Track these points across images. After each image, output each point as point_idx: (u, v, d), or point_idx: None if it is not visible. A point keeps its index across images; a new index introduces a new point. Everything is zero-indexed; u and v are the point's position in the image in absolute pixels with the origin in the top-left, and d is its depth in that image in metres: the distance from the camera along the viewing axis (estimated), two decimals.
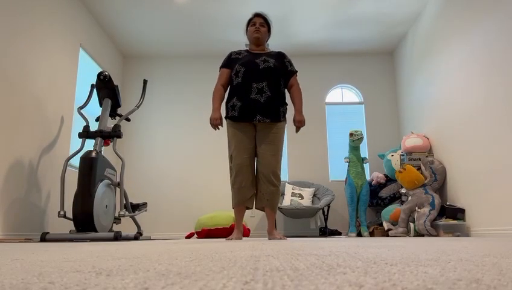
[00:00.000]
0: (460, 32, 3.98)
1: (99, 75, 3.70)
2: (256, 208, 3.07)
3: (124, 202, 3.61)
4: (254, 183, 3.00)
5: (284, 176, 5.49)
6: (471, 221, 3.74)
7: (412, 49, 5.17)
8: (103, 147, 3.89)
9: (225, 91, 3.09)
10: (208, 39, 5.46)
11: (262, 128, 2.96)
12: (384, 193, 4.80)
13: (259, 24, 3.09)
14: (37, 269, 0.60)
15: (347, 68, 5.85)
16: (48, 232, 3.04)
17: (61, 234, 3.05)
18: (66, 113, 4.23)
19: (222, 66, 3.09)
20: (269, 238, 2.96)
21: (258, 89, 2.90)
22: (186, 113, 5.71)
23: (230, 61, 3.08)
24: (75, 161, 4.26)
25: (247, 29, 3.16)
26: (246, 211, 5.35)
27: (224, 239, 2.96)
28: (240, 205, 3.00)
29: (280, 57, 3.07)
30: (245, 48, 3.37)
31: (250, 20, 3.14)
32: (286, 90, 3.17)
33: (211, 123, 2.96)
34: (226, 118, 3.01)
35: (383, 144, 5.55)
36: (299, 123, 3.00)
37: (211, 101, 5.76)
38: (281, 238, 2.91)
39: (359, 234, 4.60)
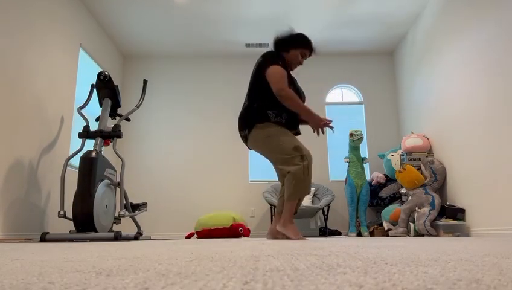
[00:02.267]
0: (460, 32, 3.98)
1: (99, 75, 3.70)
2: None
3: (124, 202, 3.61)
4: None
5: None
6: (471, 221, 3.74)
7: (412, 49, 5.17)
8: (103, 147, 3.88)
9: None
10: (208, 39, 5.46)
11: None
12: (384, 193, 4.80)
13: (309, 56, 3.01)
14: (37, 269, 0.60)
15: (347, 68, 5.84)
16: (48, 232, 3.04)
17: (61, 234, 3.05)
18: (66, 113, 4.23)
19: (283, 67, 2.80)
20: (274, 237, 2.78)
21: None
22: (186, 113, 5.71)
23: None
24: (75, 161, 4.25)
25: (296, 46, 2.91)
26: (246, 211, 5.35)
27: (295, 239, 2.57)
28: (301, 195, 2.69)
29: None
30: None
31: (305, 44, 2.93)
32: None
33: (320, 125, 2.72)
34: (266, 123, 2.76)
35: (383, 144, 5.55)
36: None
37: (210, 101, 5.77)
38: (290, 238, 2.63)
39: (359, 234, 4.60)
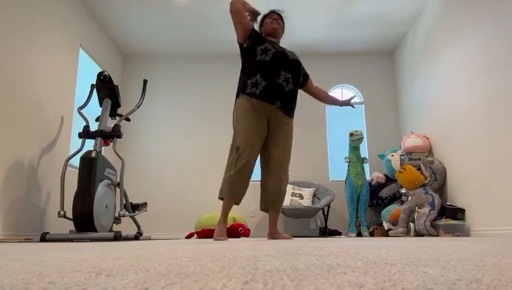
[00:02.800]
0: (460, 32, 3.98)
1: (99, 75, 3.70)
2: (261, 210, 2.90)
3: (124, 202, 3.61)
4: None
5: None
6: (471, 221, 3.74)
7: (412, 49, 5.17)
8: (103, 147, 3.89)
9: (245, 29, 2.83)
10: (208, 39, 5.46)
11: (276, 121, 2.79)
12: (384, 193, 4.80)
13: (277, 17, 3.00)
14: (37, 269, 0.60)
15: (347, 68, 5.85)
16: (48, 232, 3.04)
17: (61, 234, 3.05)
18: (66, 113, 4.23)
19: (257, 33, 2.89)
20: (269, 239, 2.85)
21: (285, 78, 2.76)
22: (186, 113, 5.72)
23: (253, 28, 2.90)
24: (75, 161, 4.26)
25: (261, 23, 3.05)
26: (246, 211, 5.35)
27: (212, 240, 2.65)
28: (232, 197, 2.67)
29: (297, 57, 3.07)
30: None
31: (265, 15, 3.04)
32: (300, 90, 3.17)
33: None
34: (242, 94, 2.75)
35: (383, 144, 5.55)
36: (347, 100, 3.20)
37: (210, 101, 5.77)
38: (285, 238, 2.78)
39: (359, 234, 4.60)
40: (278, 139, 2.80)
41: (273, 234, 2.84)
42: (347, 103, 3.17)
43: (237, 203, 2.70)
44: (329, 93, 5.77)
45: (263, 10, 4.79)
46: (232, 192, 2.64)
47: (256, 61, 2.75)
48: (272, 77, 2.72)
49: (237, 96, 2.79)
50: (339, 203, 5.31)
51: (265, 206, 2.87)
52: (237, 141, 2.68)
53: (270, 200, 2.82)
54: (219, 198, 2.71)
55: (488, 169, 3.49)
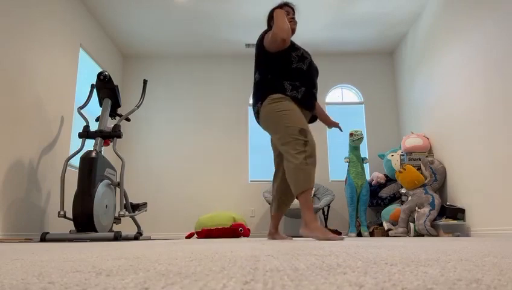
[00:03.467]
0: (460, 32, 3.98)
1: (99, 75, 3.70)
2: (275, 212, 2.81)
3: (124, 202, 3.61)
4: None
5: None
6: (471, 221, 3.74)
7: (412, 49, 5.17)
8: (103, 147, 3.89)
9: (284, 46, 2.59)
10: (208, 39, 5.46)
11: None
12: (384, 193, 4.80)
13: (293, 14, 2.79)
14: (37, 269, 0.60)
15: (347, 68, 5.85)
16: (48, 232, 3.04)
17: (61, 234, 3.04)
18: (66, 113, 4.23)
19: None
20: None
21: (316, 87, 2.72)
22: (186, 113, 5.71)
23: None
24: (75, 161, 4.26)
25: (271, 15, 2.84)
26: (246, 211, 5.35)
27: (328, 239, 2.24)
28: (311, 185, 2.41)
29: None
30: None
31: (282, 5, 2.79)
32: None
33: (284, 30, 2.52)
34: (280, 94, 2.57)
35: (383, 144, 5.55)
36: (336, 123, 3.07)
37: (210, 101, 5.77)
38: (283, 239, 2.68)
39: (359, 234, 4.60)
40: None
41: (273, 235, 2.81)
42: (335, 124, 3.05)
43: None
44: (329, 90, 5.80)
45: (265, 10, 4.79)
46: (313, 178, 2.39)
47: (292, 68, 2.62)
48: (309, 85, 2.64)
49: (271, 93, 2.58)
50: (339, 203, 5.31)
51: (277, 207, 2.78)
52: (298, 125, 2.47)
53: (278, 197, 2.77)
54: (299, 194, 2.38)
55: (488, 169, 3.49)
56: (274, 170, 2.88)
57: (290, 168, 2.41)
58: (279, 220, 2.84)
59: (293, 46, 2.68)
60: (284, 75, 2.61)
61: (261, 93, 2.63)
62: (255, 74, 2.76)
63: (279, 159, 2.83)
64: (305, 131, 2.46)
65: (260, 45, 2.71)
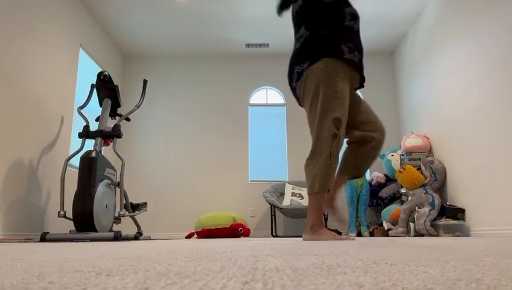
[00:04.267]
0: (460, 32, 3.98)
1: (99, 75, 3.70)
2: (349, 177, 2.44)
3: (124, 202, 3.61)
4: None
5: (284, 175, 5.49)
6: (471, 221, 3.74)
7: (412, 49, 5.17)
8: (103, 147, 3.89)
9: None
10: (208, 39, 5.46)
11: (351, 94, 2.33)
12: (384, 193, 4.80)
13: None
14: (37, 269, 0.60)
15: None
16: (48, 232, 3.04)
17: (61, 234, 3.05)
18: (66, 113, 4.23)
19: None
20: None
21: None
22: (186, 113, 5.72)
23: None
24: (75, 161, 4.26)
25: None
26: (246, 210, 5.35)
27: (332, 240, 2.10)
28: (326, 189, 2.17)
29: None
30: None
31: None
32: None
33: None
34: (334, 57, 2.19)
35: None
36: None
37: (210, 100, 5.77)
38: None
39: (359, 234, 4.60)
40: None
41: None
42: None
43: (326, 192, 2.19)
44: None
45: (265, 10, 4.79)
46: (330, 181, 2.15)
47: (346, 26, 2.24)
48: (361, 50, 2.30)
49: (325, 55, 2.19)
50: (339, 203, 5.31)
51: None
52: (336, 112, 2.14)
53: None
54: (312, 193, 2.16)
55: (488, 169, 3.49)
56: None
57: (311, 166, 2.16)
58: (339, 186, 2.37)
59: (346, 0, 2.32)
60: (339, 33, 2.21)
61: (310, 52, 2.21)
62: (297, 29, 2.33)
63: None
64: (340, 121, 2.14)
65: None
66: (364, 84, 2.46)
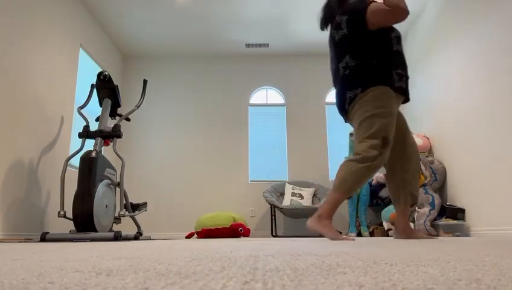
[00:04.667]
0: (460, 32, 3.98)
1: (99, 75, 3.70)
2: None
3: (124, 202, 3.61)
4: None
5: (284, 175, 5.49)
6: (471, 221, 3.74)
7: (411, 49, 5.17)
8: (103, 147, 3.89)
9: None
10: (208, 39, 5.46)
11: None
12: (384, 193, 4.80)
13: None
14: (37, 269, 0.60)
15: None
16: (48, 232, 3.04)
17: (61, 234, 3.04)
18: (66, 113, 4.23)
19: None
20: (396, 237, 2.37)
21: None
22: (186, 113, 5.72)
23: None
24: (75, 161, 4.26)
25: None
26: (246, 210, 5.35)
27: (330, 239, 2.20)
28: (350, 193, 2.25)
29: None
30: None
31: None
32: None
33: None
34: (386, 85, 2.29)
35: None
36: None
37: (210, 101, 5.77)
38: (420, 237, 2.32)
39: (359, 234, 4.60)
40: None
41: (406, 228, 2.40)
42: None
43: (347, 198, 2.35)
44: (329, 90, 5.79)
45: (265, 10, 4.79)
46: (356, 187, 2.24)
47: (393, 52, 2.32)
48: (406, 69, 2.38)
49: (378, 83, 2.28)
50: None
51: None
52: (386, 132, 2.26)
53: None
54: (336, 189, 2.24)
55: (488, 169, 3.49)
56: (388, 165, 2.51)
57: (349, 167, 2.23)
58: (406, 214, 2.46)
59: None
60: (390, 61, 2.30)
61: (363, 79, 2.29)
62: (341, 56, 2.39)
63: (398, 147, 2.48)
64: (388, 141, 2.26)
65: (358, 20, 2.31)
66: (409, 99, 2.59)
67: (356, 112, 2.35)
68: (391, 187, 2.50)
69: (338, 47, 2.43)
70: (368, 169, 2.21)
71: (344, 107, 2.42)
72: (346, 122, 2.60)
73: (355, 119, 2.38)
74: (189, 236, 4.61)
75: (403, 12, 2.23)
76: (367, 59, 2.31)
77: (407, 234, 2.39)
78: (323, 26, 2.59)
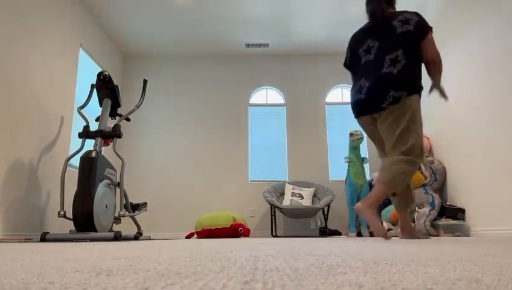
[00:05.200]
0: (460, 32, 3.98)
1: (99, 75, 3.70)
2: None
3: (124, 202, 3.61)
4: None
5: (284, 175, 5.50)
6: (471, 221, 3.74)
7: None
8: (103, 147, 3.89)
9: None
10: (208, 39, 5.46)
11: None
12: None
13: None
14: (37, 269, 0.60)
15: None
16: (48, 232, 3.04)
17: (61, 234, 3.04)
18: (66, 113, 4.23)
19: None
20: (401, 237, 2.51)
21: None
22: (186, 113, 5.72)
23: None
24: (75, 161, 4.26)
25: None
26: (246, 210, 5.35)
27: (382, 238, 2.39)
28: (394, 190, 2.43)
29: None
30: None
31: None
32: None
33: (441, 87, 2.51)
34: (419, 94, 2.47)
35: None
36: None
37: (210, 101, 5.77)
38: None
39: (359, 234, 4.60)
40: None
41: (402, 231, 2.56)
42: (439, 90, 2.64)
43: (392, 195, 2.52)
44: (329, 90, 5.80)
45: (265, 10, 4.79)
46: (400, 186, 2.39)
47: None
48: None
49: (418, 90, 2.44)
50: (339, 203, 5.31)
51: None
52: (422, 140, 2.46)
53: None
54: (385, 184, 2.34)
55: (488, 169, 3.49)
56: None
57: (399, 166, 2.35)
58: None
59: None
60: (420, 70, 2.49)
61: (408, 84, 2.40)
62: (393, 49, 2.45)
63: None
64: (423, 149, 2.46)
65: (423, 29, 2.43)
66: None
67: (400, 113, 2.40)
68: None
69: (395, 38, 2.46)
70: (412, 173, 2.38)
71: (380, 105, 2.44)
72: (358, 117, 2.61)
73: (395, 121, 2.42)
74: (189, 236, 4.61)
75: (440, 64, 2.44)
76: (415, 64, 2.43)
77: (412, 234, 2.50)
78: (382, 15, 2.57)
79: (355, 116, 2.64)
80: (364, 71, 2.56)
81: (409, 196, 2.51)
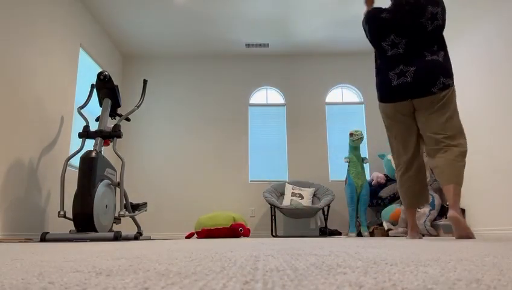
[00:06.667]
0: (460, 32, 3.98)
1: (99, 75, 3.70)
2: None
3: (124, 202, 3.61)
4: None
5: (284, 175, 5.50)
6: (471, 221, 3.74)
7: None
8: (103, 147, 3.89)
9: None
10: (208, 39, 5.46)
11: None
12: (384, 193, 4.80)
13: None
14: (37, 269, 0.60)
15: (347, 68, 5.84)
16: (48, 232, 3.04)
17: (61, 234, 3.04)
18: (66, 113, 4.23)
19: None
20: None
21: None
22: (186, 113, 5.72)
23: None
24: (75, 161, 4.26)
25: None
26: (246, 210, 5.35)
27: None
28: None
29: None
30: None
31: None
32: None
33: None
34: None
35: (383, 144, 5.55)
36: None
37: (210, 101, 5.77)
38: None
39: (359, 234, 4.60)
40: None
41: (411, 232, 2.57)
42: None
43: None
44: (329, 90, 5.80)
45: (265, 10, 4.79)
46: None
47: None
48: None
49: (453, 81, 2.44)
50: (339, 203, 5.31)
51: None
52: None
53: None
54: (458, 184, 2.31)
55: (488, 169, 3.49)
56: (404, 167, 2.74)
57: (459, 161, 2.32)
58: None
59: None
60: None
61: (451, 73, 2.41)
62: (429, 46, 2.43)
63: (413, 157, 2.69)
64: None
65: (444, 15, 2.46)
66: None
67: (447, 101, 2.38)
68: (416, 188, 2.61)
69: (428, 35, 2.42)
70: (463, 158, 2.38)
71: (431, 89, 2.37)
72: (394, 102, 2.50)
73: (442, 107, 2.38)
74: (189, 236, 4.61)
75: None
76: (448, 55, 2.44)
77: (419, 234, 2.55)
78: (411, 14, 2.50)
79: (391, 101, 2.48)
80: (399, 59, 2.45)
81: (428, 193, 2.57)
